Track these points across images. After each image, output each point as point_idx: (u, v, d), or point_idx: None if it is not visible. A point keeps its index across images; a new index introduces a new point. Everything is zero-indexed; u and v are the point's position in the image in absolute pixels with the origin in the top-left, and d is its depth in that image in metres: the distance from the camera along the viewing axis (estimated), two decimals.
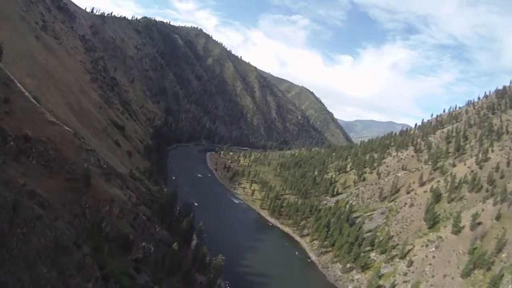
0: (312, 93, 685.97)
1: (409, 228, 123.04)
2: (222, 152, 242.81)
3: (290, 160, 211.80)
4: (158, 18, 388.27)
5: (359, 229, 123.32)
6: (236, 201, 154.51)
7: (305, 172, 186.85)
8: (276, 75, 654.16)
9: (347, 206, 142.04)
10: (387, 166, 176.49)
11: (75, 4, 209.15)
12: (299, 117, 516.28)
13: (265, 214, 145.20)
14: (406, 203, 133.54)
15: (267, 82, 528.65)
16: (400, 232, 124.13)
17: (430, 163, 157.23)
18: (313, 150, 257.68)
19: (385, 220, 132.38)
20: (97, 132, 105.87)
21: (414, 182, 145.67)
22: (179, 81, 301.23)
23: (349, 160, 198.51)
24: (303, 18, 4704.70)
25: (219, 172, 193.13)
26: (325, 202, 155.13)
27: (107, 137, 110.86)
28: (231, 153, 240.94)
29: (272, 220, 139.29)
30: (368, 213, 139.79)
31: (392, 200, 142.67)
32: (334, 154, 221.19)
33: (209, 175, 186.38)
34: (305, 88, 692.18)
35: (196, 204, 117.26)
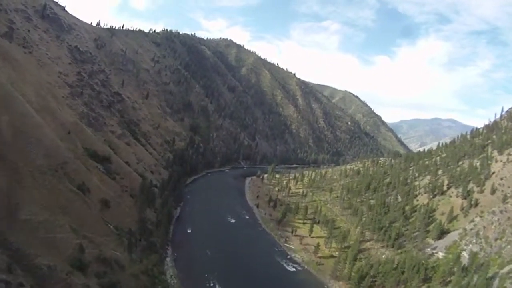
0: (356, 96, 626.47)
1: None
2: (265, 175, 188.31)
3: (358, 180, 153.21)
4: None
5: None
6: (291, 268, 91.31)
7: (384, 198, 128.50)
8: (315, 82, 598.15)
9: (473, 259, 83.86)
10: (501, 179, 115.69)
11: (74, 17, 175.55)
12: (349, 123, 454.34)
13: None
14: None
15: (309, 88, 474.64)
16: None
17: None
18: (380, 161, 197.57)
19: None
20: (37, 173, 60.61)
21: None
22: (208, 94, 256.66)
23: (440, 173, 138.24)
24: (334, 23, 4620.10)
25: (262, 210, 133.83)
26: (429, 250, 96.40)
27: (62, 180, 65.23)
28: (277, 176, 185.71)
29: None
30: (507, 269, 79.80)
31: None
32: (412, 166, 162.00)
33: (247, 217, 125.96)
34: (349, 92, 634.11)
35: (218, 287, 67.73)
